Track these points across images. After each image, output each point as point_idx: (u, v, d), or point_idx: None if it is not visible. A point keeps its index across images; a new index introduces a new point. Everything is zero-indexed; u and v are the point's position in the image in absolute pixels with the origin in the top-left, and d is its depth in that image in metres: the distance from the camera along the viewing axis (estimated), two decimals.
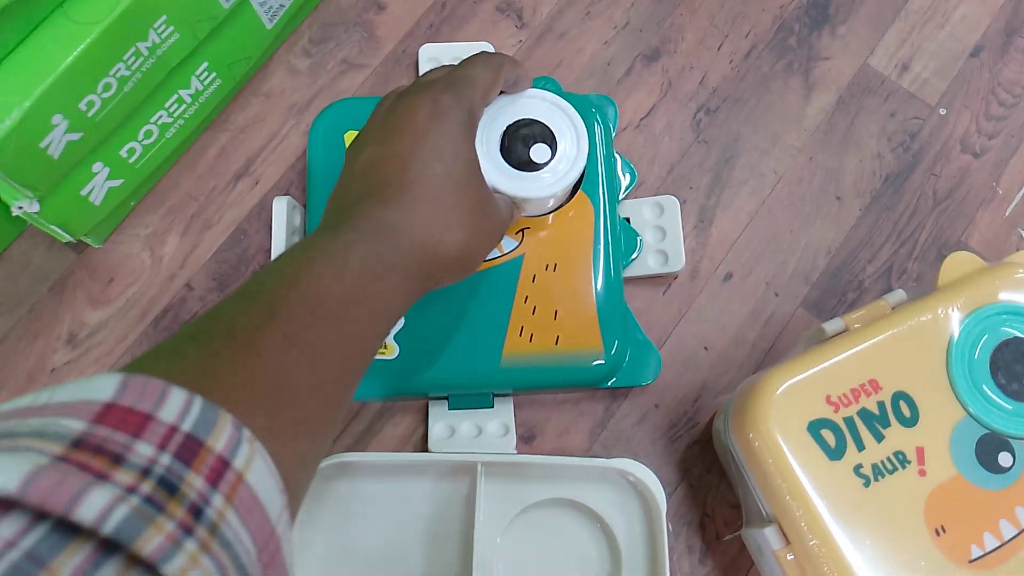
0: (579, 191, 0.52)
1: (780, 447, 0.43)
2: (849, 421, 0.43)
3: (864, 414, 0.43)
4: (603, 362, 0.49)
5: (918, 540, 0.42)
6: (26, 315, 0.53)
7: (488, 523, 0.46)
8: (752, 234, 0.56)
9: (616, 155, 0.54)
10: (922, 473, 0.43)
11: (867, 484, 0.42)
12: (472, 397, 0.51)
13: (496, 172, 0.45)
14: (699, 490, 0.52)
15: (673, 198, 0.54)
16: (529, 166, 0.45)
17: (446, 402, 0.51)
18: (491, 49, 0.58)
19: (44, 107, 0.44)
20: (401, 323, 0.50)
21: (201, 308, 0.54)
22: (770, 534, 0.44)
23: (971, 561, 0.42)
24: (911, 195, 0.57)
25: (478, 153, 0.44)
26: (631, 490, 0.48)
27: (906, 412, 0.43)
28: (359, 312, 0.33)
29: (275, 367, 0.29)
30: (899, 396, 0.43)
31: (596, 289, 0.50)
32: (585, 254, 0.51)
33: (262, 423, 0.26)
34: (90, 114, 0.46)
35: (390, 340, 0.49)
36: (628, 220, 0.54)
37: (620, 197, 0.54)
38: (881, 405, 0.43)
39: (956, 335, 0.44)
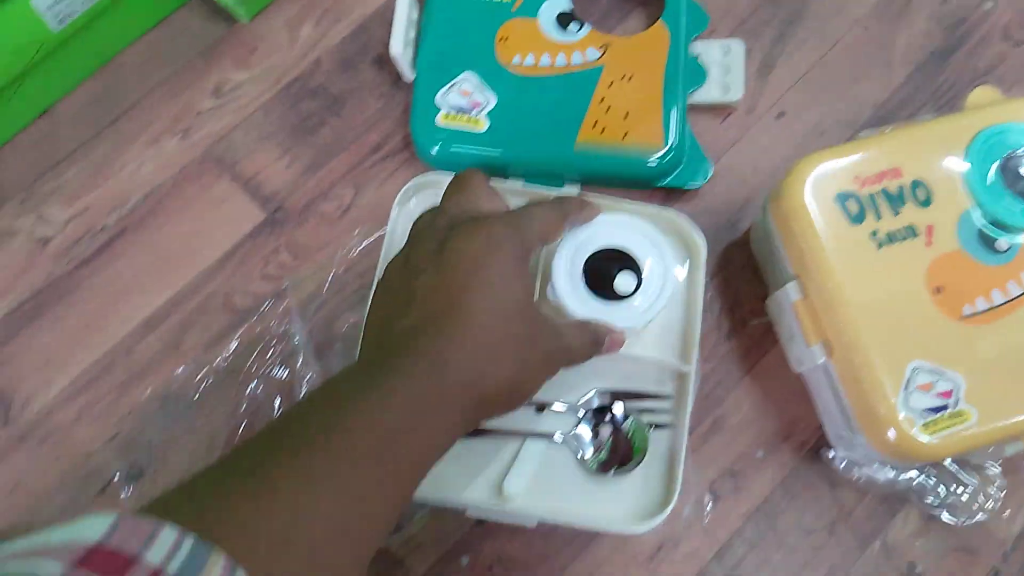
0: (659, 21, 0.60)
1: (808, 212, 0.50)
2: (872, 197, 0.50)
3: (885, 193, 0.50)
4: (662, 156, 0.57)
5: (917, 296, 0.49)
6: (180, 69, 0.63)
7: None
8: (807, 83, 0.64)
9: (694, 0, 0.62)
10: (928, 244, 0.50)
11: (880, 247, 0.49)
12: (546, 178, 0.59)
13: (582, 305, 0.48)
14: (733, 282, 0.59)
15: (740, 41, 0.62)
16: (615, 295, 0.48)
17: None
18: None
19: None
20: (494, 102, 0.58)
21: (324, 82, 0.63)
22: (791, 288, 0.51)
23: (963, 317, 0.48)
24: (952, 69, 0.64)
25: (561, 285, 0.47)
26: (679, 239, 0.55)
27: (922, 196, 0.50)
28: (400, 451, 0.32)
29: (292, 507, 0.28)
30: (917, 183, 0.51)
31: (663, 100, 0.58)
32: (658, 71, 0.59)
33: (266, 565, 0.25)
34: None
35: (481, 116, 0.58)
36: (697, 58, 0.62)
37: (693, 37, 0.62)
38: (901, 188, 0.51)
39: (975, 140, 0.51)
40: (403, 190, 0.53)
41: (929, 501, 0.54)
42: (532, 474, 0.50)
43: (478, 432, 0.49)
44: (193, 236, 0.59)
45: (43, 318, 0.57)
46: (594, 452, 0.50)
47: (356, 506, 0.30)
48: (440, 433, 0.35)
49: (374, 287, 0.44)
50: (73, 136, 0.61)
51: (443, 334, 0.36)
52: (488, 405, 0.37)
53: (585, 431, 0.50)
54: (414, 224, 0.43)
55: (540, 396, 0.50)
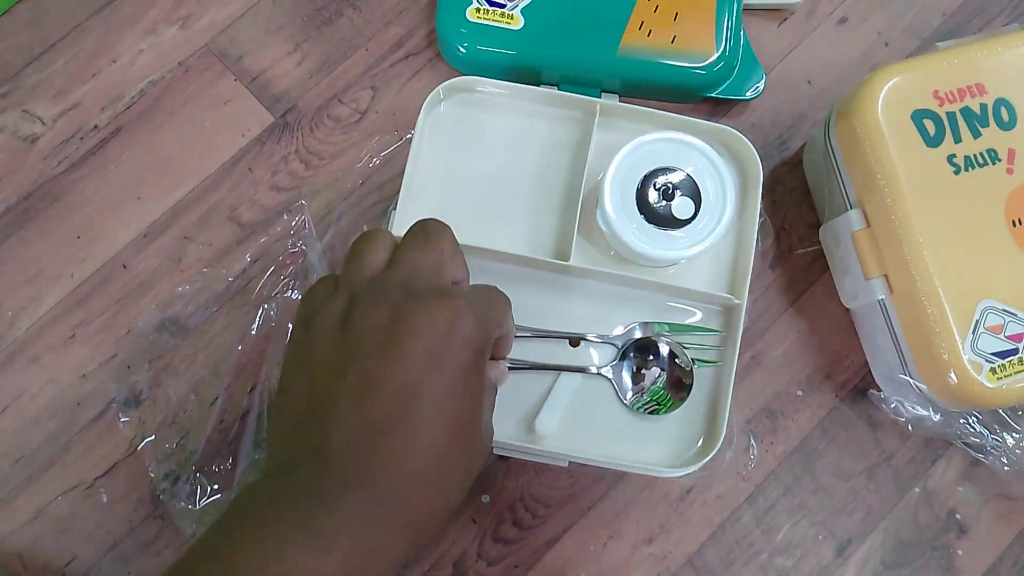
0: None
1: (881, 130, 0.45)
2: (951, 116, 0.45)
3: (966, 112, 0.45)
4: (713, 63, 0.52)
5: (995, 228, 0.44)
6: None
7: (599, 154, 0.48)
8: None
9: None
10: (1009, 171, 0.45)
11: (957, 172, 0.45)
12: (583, 85, 0.53)
13: (636, 232, 0.44)
14: (780, 206, 0.54)
15: None
16: (672, 221, 0.45)
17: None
18: None
19: None
20: None
21: None
22: (853, 216, 0.47)
23: None
24: None
25: (612, 211, 0.43)
26: (732, 159, 0.50)
27: (1005, 117, 0.45)
28: None
29: None
30: (1001, 102, 0.46)
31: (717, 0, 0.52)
32: None
33: None
34: None
35: (516, 12, 0.52)
36: None
37: None
38: (984, 107, 0.45)
39: None
40: (432, 94, 0.47)
41: (975, 446, 0.51)
42: (565, 411, 0.46)
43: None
44: (194, 139, 0.54)
45: (31, 226, 0.52)
46: (636, 394, 0.46)
47: None
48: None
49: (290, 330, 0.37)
50: (60, 22, 0.55)
51: (393, 455, 0.30)
52: (423, 541, 0.31)
53: (626, 371, 0.46)
54: (354, 255, 0.35)
55: (574, 328, 0.47)
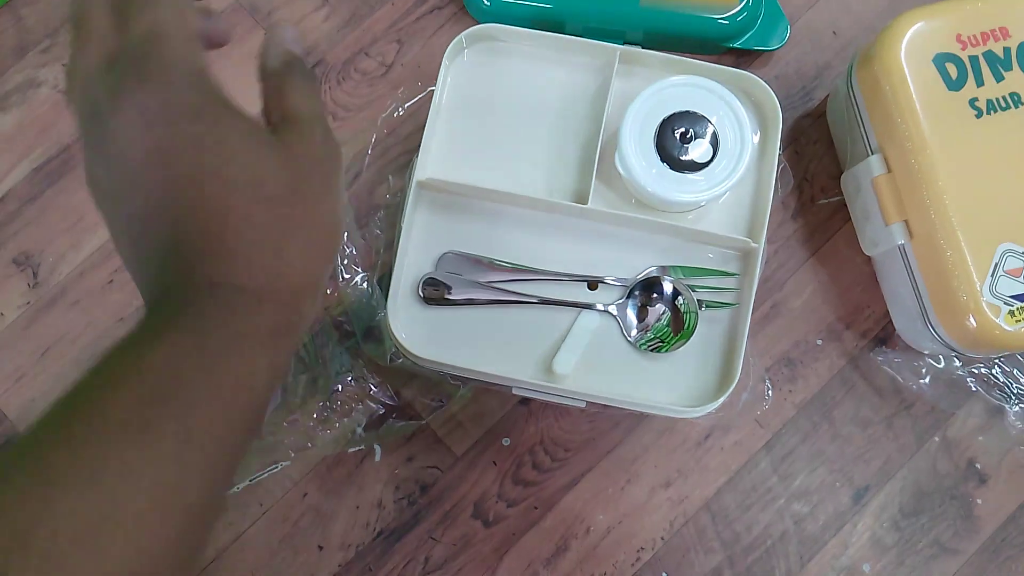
0: None
1: (903, 74, 0.45)
2: (974, 59, 0.45)
3: (989, 55, 0.45)
4: (736, 13, 0.52)
5: (1015, 171, 0.44)
6: None
7: (619, 101, 0.48)
8: None
9: None
10: None
11: (979, 116, 0.45)
12: (606, 37, 0.54)
13: (654, 176, 0.45)
14: (803, 157, 0.55)
15: None
16: (687, 165, 0.45)
17: None
18: None
19: None
20: None
21: None
22: (874, 162, 0.47)
23: None
24: None
25: (630, 155, 0.44)
26: (752, 106, 0.50)
27: None
28: (178, 412, 0.23)
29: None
30: None
31: None
32: None
33: None
34: None
35: None
36: None
37: None
38: (1007, 50, 0.45)
39: None
40: (454, 42, 0.48)
41: (996, 395, 0.51)
42: (583, 352, 0.47)
43: (523, 303, 0.46)
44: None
45: (71, 175, 0.54)
46: (640, 331, 0.47)
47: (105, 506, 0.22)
48: (247, 373, 0.26)
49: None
50: None
51: (208, 254, 0.26)
52: (297, 320, 0.28)
53: (631, 309, 0.47)
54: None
55: (593, 272, 0.48)
